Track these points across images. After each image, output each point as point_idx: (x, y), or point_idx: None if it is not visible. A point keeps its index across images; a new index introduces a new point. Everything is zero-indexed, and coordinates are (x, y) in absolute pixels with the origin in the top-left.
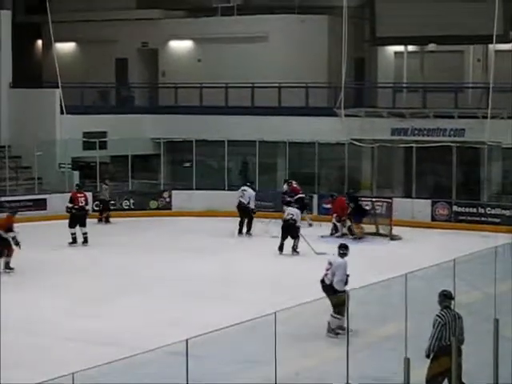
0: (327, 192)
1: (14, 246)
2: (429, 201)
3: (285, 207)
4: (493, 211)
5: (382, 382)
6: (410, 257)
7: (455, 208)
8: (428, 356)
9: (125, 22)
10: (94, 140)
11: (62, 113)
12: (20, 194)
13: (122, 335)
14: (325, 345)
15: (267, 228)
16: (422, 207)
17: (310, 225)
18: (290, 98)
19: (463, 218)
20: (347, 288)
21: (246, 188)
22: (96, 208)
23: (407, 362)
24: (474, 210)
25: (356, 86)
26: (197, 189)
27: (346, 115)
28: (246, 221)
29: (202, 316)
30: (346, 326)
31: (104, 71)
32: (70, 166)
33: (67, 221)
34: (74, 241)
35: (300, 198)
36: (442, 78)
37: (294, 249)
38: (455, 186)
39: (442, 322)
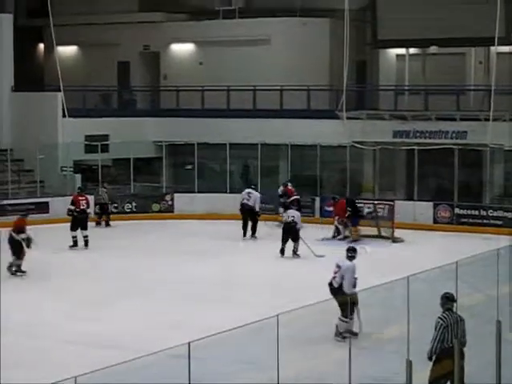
0: (329, 195)
1: (25, 249)
2: (431, 203)
3: (281, 209)
4: (495, 213)
5: None
6: (412, 259)
7: (457, 210)
8: (430, 358)
9: (127, 26)
10: (95, 143)
11: (63, 116)
12: (22, 198)
13: (124, 338)
14: (327, 347)
15: (272, 231)
16: (423, 209)
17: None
18: (292, 101)
19: (465, 220)
20: (356, 290)
21: (251, 190)
22: (98, 211)
23: (409, 364)
24: (476, 213)
25: (358, 88)
26: (199, 192)
27: (348, 118)
28: (250, 224)
29: (204, 319)
30: (354, 329)
31: (106, 74)
32: (71, 169)
33: (69, 224)
34: (75, 244)
35: (295, 199)
36: (443, 80)
37: (295, 252)
38: (457, 189)
39: (444, 325)
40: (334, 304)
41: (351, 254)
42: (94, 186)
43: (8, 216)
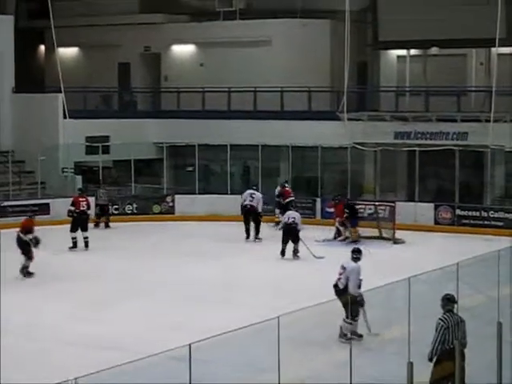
0: (330, 196)
1: (33, 250)
2: (432, 204)
3: (276, 210)
4: (496, 215)
5: None
6: (413, 260)
7: (458, 211)
8: (431, 360)
9: (127, 27)
10: (96, 144)
11: (64, 117)
12: (23, 199)
13: (124, 340)
14: (328, 349)
15: (274, 232)
16: (424, 211)
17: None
18: (293, 102)
19: (466, 221)
20: (361, 291)
21: (253, 191)
22: (98, 212)
23: (410, 365)
24: (477, 214)
25: (359, 89)
26: (199, 193)
27: (349, 119)
28: (253, 225)
29: (205, 320)
30: (359, 331)
31: (107, 76)
32: (72, 170)
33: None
34: (75, 245)
35: (290, 201)
36: (444, 81)
37: (295, 253)
38: (458, 190)
39: (445, 326)
40: (335, 305)
41: (356, 255)
42: (95, 187)
43: (9, 217)
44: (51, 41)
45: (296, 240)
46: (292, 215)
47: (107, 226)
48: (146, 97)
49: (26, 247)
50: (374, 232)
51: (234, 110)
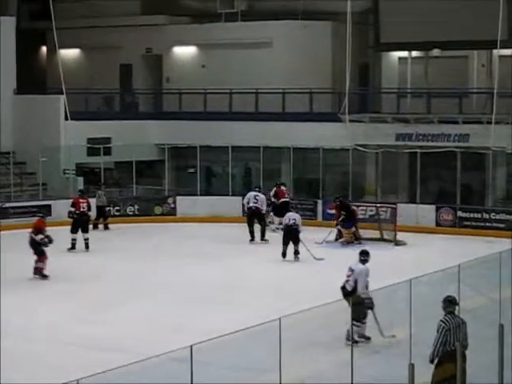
0: (331, 198)
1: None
2: (433, 206)
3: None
4: (497, 216)
5: None
6: (415, 262)
7: (460, 213)
8: (432, 361)
9: (129, 28)
10: (98, 146)
11: (66, 119)
12: (24, 200)
13: (125, 341)
14: (329, 350)
15: (277, 234)
16: (426, 212)
17: (276, 229)
18: (294, 104)
19: (468, 223)
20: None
21: (257, 193)
22: (96, 214)
23: (412, 367)
24: (479, 216)
25: (360, 91)
26: (201, 194)
27: (351, 121)
28: (259, 227)
29: (206, 322)
30: (366, 333)
31: (108, 77)
32: (74, 172)
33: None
34: (73, 247)
35: (284, 202)
36: (446, 83)
37: (296, 254)
38: (459, 192)
39: (446, 328)
40: (337, 307)
41: (364, 257)
42: (94, 188)
43: (10, 219)
44: (53, 42)
45: (296, 241)
46: (292, 217)
47: (106, 227)
48: (148, 98)
49: (39, 248)
50: (376, 234)
51: (235, 112)
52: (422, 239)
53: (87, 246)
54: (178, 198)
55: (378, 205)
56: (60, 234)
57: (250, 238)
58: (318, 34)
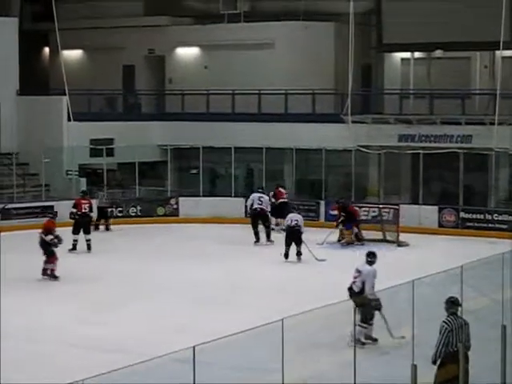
0: (334, 198)
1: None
2: (436, 207)
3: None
4: (500, 217)
5: None
6: (417, 263)
7: (462, 214)
8: (435, 362)
9: (132, 29)
10: (101, 147)
11: (69, 120)
12: (27, 201)
13: (128, 342)
14: (332, 350)
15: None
16: (429, 213)
17: (273, 230)
18: (297, 105)
19: (470, 224)
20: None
21: (261, 195)
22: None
23: (414, 368)
24: (481, 217)
25: (363, 92)
26: (204, 195)
27: (353, 122)
28: (264, 229)
29: (209, 322)
30: (373, 335)
31: (111, 78)
32: (77, 172)
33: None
34: (74, 248)
35: (282, 202)
36: (448, 84)
37: (298, 254)
38: (462, 193)
39: (449, 329)
40: (339, 308)
41: (371, 258)
42: (97, 189)
43: (13, 220)
44: (55, 43)
45: (299, 242)
46: (295, 218)
47: (107, 228)
48: (151, 99)
49: (49, 248)
50: (378, 235)
51: (238, 113)
52: (425, 240)
53: (89, 247)
54: (180, 198)
55: (381, 206)
56: (63, 235)
57: (254, 239)
58: (321, 35)
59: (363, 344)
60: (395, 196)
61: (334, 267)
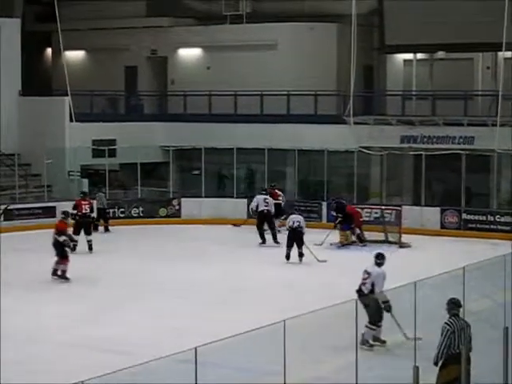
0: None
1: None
2: (438, 208)
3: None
4: (502, 219)
5: None
6: (419, 265)
7: (464, 216)
8: (436, 364)
9: (134, 30)
10: (103, 148)
11: (71, 120)
12: (29, 202)
13: (129, 343)
14: (334, 351)
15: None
16: (431, 215)
17: (279, 231)
18: (299, 106)
19: (472, 225)
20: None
21: (266, 196)
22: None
23: (416, 369)
24: (484, 218)
25: (365, 93)
26: (206, 196)
27: (355, 123)
28: (269, 230)
29: (211, 324)
30: (382, 337)
31: (113, 79)
32: (79, 173)
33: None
34: (74, 248)
35: (276, 203)
36: (451, 85)
37: (300, 256)
38: (464, 194)
39: (451, 330)
40: (341, 309)
41: (380, 260)
42: (96, 190)
43: (15, 220)
44: (58, 44)
45: (301, 244)
46: (296, 219)
47: (107, 229)
48: (153, 100)
49: (62, 249)
50: (380, 236)
51: (240, 114)
52: (427, 241)
53: (91, 248)
54: (182, 199)
55: (383, 207)
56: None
57: (260, 240)
58: (323, 36)
59: (371, 346)
60: (397, 197)
61: (336, 268)
